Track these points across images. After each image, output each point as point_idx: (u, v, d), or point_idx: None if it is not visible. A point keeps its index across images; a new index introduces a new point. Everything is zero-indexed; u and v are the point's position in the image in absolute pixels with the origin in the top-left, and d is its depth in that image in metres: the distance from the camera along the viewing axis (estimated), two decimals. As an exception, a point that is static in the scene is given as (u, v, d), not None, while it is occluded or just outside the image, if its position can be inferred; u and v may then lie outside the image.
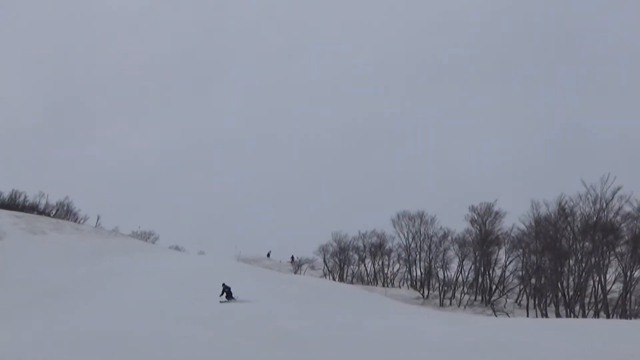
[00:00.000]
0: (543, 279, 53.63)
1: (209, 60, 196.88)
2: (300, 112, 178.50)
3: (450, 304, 60.11)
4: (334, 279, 75.17)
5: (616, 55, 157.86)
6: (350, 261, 79.83)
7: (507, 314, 50.09)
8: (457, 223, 76.24)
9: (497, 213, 64.23)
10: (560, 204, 53.26)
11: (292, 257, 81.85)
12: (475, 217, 64.85)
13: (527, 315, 51.01)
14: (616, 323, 26.00)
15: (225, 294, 29.11)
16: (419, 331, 18.22)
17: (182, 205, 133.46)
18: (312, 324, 19.56)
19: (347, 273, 79.08)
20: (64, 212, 78.80)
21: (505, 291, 61.57)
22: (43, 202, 78.99)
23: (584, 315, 47.62)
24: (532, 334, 17.49)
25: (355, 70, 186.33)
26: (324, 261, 78.89)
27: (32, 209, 74.85)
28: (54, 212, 78.12)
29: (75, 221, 74.60)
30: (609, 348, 14.33)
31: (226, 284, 29.76)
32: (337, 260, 79.00)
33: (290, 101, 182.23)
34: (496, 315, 49.42)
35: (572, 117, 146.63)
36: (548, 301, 53.71)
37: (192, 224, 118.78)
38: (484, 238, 62.81)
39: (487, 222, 64.24)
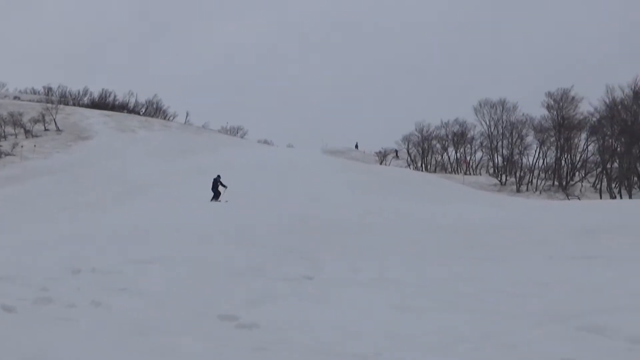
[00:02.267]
0: (617, 162, 54.07)
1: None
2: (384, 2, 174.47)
3: (527, 189, 61.60)
4: (417, 168, 77.51)
5: None
6: (433, 150, 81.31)
7: (578, 198, 51.45)
8: (535, 109, 75.72)
9: (573, 98, 63.54)
10: (634, 87, 52.60)
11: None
12: (552, 103, 64.52)
13: (601, 198, 52.09)
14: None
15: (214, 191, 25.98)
16: (441, 214, 21.26)
17: (272, 100, 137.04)
18: (355, 210, 22.18)
19: (430, 162, 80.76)
20: (153, 110, 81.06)
21: (585, 175, 62.15)
22: (132, 100, 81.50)
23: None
24: (542, 214, 20.19)
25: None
26: (407, 151, 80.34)
27: (122, 107, 77.65)
28: (143, 110, 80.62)
29: (164, 118, 77.10)
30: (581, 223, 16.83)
31: (219, 178, 26.42)
32: (419, 149, 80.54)
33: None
34: (569, 199, 50.91)
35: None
36: (624, 185, 54.33)
37: (281, 118, 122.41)
38: (561, 123, 62.90)
39: (564, 107, 63.86)
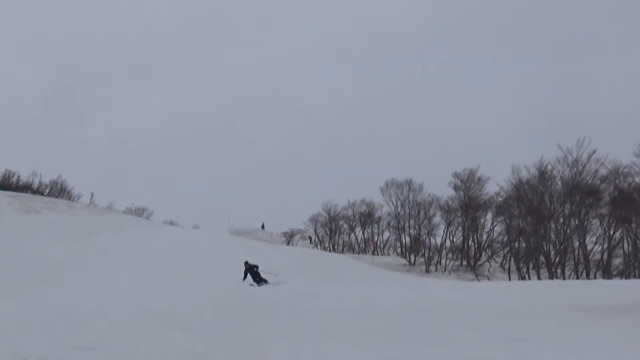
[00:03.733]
0: (524, 242, 54.27)
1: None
2: (292, 83, 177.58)
3: (436, 269, 60.80)
4: (324, 248, 75.74)
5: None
6: (341, 230, 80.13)
7: (488, 278, 50.74)
8: (442, 189, 76.56)
9: (479, 178, 64.46)
10: (539, 168, 53.63)
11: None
12: (459, 184, 65.14)
13: (509, 279, 51.60)
14: (558, 283, 26.73)
15: (250, 275, 24.69)
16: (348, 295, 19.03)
17: (176, 180, 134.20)
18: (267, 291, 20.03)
19: (337, 242, 79.56)
20: (58, 191, 79.53)
21: (491, 255, 62.16)
22: (36, 181, 79.76)
23: (564, 278, 48.26)
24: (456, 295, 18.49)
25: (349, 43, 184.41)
26: (315, 231, 79.13)
27: (26, 188, 75.40)
28: (47, 190, 78.82)
29: (69, 199, 75.12)
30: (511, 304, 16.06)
31: (249, 262, 25.39)
32: (327, 230, 79.16)
33: (281, 70, 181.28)
34: (478, 280, 50.10)
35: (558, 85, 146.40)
36: (531, 265, 54.46)
37: (186, 198, 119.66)
38: (467, 203, 63.21)
39: (471, 187, 64.52)
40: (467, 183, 64.57)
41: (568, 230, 51.50)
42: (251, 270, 24.63)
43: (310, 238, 79.40)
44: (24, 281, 25.64)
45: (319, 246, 76.66)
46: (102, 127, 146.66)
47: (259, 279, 24.35)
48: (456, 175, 65.42)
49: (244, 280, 24.39)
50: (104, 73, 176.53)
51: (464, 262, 62.42)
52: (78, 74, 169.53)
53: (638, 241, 47.45)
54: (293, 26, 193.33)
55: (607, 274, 47.96)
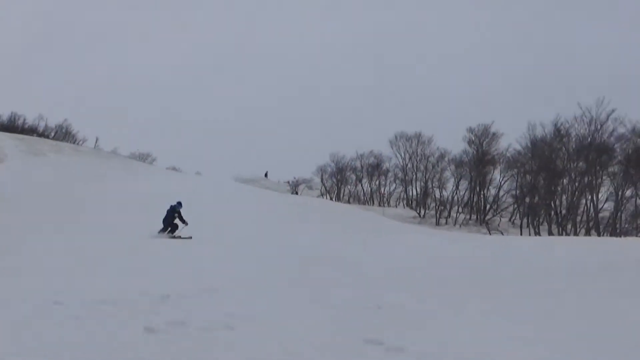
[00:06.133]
0: (537, 197, 55.02)
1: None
2: (298, 28, 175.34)
3: (446, 222, 61.65)
4: (331, 199, 76.14)
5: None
6: (348, 181, 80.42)
7: (502, 233, 51.58)
8: (454, 144, 76.86)
9: (494, 134, 64.80)
10: (556, 125, 54.02)
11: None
12: (473, 138, 65.34)
13: (521, 234, 52.55)
14: (599, 240, 27.26)
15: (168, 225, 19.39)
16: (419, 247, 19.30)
17: (181, 125, 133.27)
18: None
19: (344, 193, 79.87)
20: (63, 135, 80.00)
21: (499, 210, 63.01)
22: (42, 124, 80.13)
23: (576, 234, 49.23)
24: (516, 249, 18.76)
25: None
26: (322, 181, 79.52)
27: (32, 131, 75.64)
28: (53, 134, 79.11)
29: (74, 143, 75.21)
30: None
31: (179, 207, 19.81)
32: (334, 180, 79.49)
33: (287, 17, 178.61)
34: (490, 234, 50.93)
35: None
36: (541, 220, 55.37)
37: (190, 144, 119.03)
38: (480, 158, 63.65)
39: (484, 143, 64.84)
40: (481, 138, 64.85)
41: (579, 187, 52.24)
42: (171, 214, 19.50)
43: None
44: (23, 224, 22.65)
45: (324, 196, 76.98)
46: (104, 68, 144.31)
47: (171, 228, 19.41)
48: (470, 130, 65.69)
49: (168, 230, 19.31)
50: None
51: (474, 216, 63.33)
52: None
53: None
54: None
55: (617, 230, 48.89)
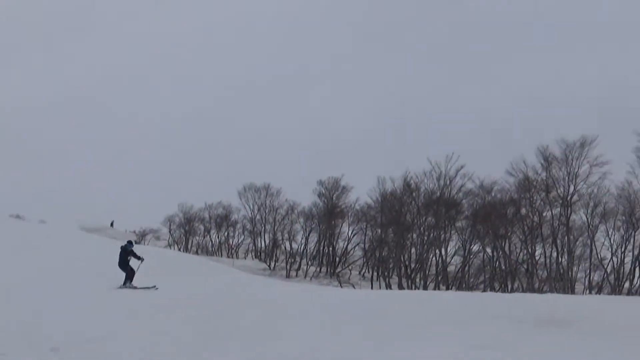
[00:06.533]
0: (386, 250, 55.09)
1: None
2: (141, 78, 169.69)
3: (297, 275, 60.06)
4: (179, 249, 72.91)
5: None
6: (196, 232, 79.03)
7: (353, 286, 50.58)
8: (304, 197, 76.16)
9: (344, 187, 65.35)
10: (405, 179, 54.91)
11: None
12: (323, 191, 65.33)
13: (372, 287, 51.89)
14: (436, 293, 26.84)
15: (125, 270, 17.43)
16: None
17: (24, 170, 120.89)
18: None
19: (192, 244, 78.16)
20: None
21: (349, 263, 62.67)
22: None
23: (425, 287, 49.34)
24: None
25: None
26: (170, 232, 77.79)
27: None
28: None
29: None
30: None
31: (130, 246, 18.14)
32: (183, 231, 77.84)
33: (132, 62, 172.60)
34: (342, 287, 49.72)
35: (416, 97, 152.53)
36: (391, 273, 55.38)
37: (33, 191, 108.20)
38: (330, 211, 63.39)
39: (334, 196, 64.97)
40: (331, 191, 64.90)
41: (427, 241, 52.96)
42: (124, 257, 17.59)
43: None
44: None
45: (172, 247, 73.49)
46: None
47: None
48: (321, 183, 65.64)
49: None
50: None
51: (324, 269, 62.37)
52: None
53: (496, 253, 49.59)
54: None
55: (464, 284, 49.75)
